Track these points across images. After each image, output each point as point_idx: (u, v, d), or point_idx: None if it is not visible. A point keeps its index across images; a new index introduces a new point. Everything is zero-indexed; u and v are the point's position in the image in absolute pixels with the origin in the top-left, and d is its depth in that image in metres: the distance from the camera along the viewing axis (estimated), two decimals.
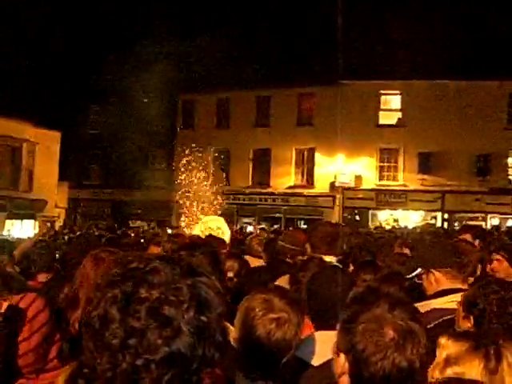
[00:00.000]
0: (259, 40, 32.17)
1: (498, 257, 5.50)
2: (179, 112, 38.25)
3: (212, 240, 6.70)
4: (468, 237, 7.03)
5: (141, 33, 33.83)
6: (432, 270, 3.91)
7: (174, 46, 33.10)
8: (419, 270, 4.01)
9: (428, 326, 3.47)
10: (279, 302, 2.62)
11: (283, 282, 4.28)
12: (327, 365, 2.86)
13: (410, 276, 4.15)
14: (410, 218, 31.44)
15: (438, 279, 3.88)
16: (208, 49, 32.54)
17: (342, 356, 2.09)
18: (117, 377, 1.35)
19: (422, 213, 32.06)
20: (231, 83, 33.06)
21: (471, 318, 3.17)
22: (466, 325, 3.17)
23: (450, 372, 2.25)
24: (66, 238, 18.02)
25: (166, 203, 37.47)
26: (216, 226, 9.88)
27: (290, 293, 2.85)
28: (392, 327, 2.02)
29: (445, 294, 3.72)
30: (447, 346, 2.33)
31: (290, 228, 18.94)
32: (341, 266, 4.65)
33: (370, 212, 32.79)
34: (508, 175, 31.54)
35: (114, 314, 1.37)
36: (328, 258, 4.74)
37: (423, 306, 3.86)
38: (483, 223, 27.17)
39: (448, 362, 2.29)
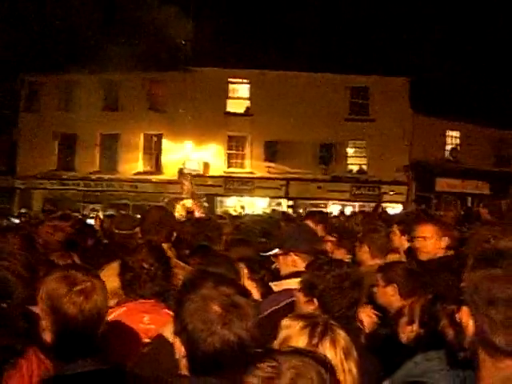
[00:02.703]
0: (111, 24, 31.38)
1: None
2: (23, 94, 36.40)
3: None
4: (310, 223, 7.31)
5: None
6: (291, 253, 4.04)
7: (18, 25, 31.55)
8: (277, 250, 4.14)
9: (278, 306, 3.60)
10: (78, 274, 2.54)
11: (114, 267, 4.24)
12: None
13: (267, 254, 4.26)
14: (257, 205, 32.17)
15: (295, 262, 4.01)
16: (57, 28, 31.30)
17: (177, 340, 2.13)
18: None
19: (267, 199, 32.89)
20: (79, 65, 31.95)
21: (314, 300, 3.30)
22: (310, 308, 3.28)
23: None
24: None
25: (8, 190, 35.75)
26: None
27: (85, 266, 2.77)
28: (217, 303, 2.06)
29: (298, 275, 3.80)
30: (285, 327, 2.44)
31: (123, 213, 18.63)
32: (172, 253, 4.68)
33: (219, 199, 33.10)
34: (347, 164, 33.17)
35: None
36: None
37: (277, 286, 4.00)
38: (324, 209, 28.27)
39: (282, 343, 2.38)
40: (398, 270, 4.50)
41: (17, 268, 1.48)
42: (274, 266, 4.98)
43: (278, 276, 4.30)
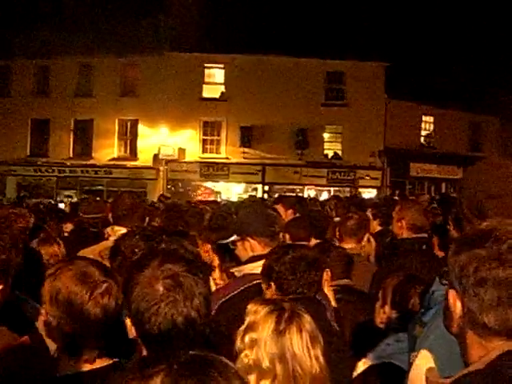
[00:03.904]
0: (82, 7, 31.03)
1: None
2: None
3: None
4: (280, 207, 7.32)
5: None
6: (248, 238, 4.00)
7: None
8: (234, 236, 4.12)
9: (237, 291, 3.60)
10: (95, 271, 2.38)
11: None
12: None
13: (225, 242, 4.25)
14: (232, 190, 32.16)
15: (252, 246, 3.97)
16: (27, 12, 30.86)
17: (128, 321, 2.10)
18: None
19: (243, 185, 32.88)
20: (51, 49, 31.59)
21: (272, 284, 3.27)
22: (269, 293, 3.27)
23: (247, 339, 2.34)
24: None
25: None
26: None
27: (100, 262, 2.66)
28: (161, 282, 2.02)
29: (257, 259, 3.78)
30: (251, 313, 2.42)
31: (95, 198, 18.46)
32: None
33: (194, 184, 33.06)
34: (324, 149, 33.27)
35: None
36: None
37: (238, 271, 3.99)
38: (300, 195, 28.35)
39: (247, 328, 2.38)
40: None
41: None
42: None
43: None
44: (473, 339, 1.65)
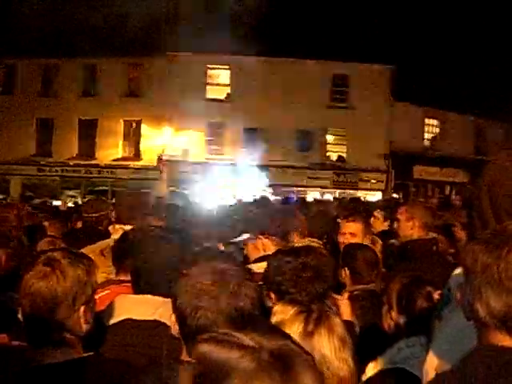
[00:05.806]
0: (88, 8, 31.03)
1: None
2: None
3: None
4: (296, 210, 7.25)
5: None
6: (261, 237, 4.01)
7: None
8: (248, 235, 4.09)
9: None
10: (52, 257, 2.31)
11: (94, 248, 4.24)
12: (117, 325, 2.87)
13: (237, 240, 4.21)
14: None
15: (265, 245, 3.97)
16: (35, 12, 30.85)
17: (173, 316, 2.07)
18: None
19: None
20: (58, 49, 31.62)
21: (271, 293, 3.14)
22: (271, 302, 3.10)
23: None
24: None
25: None
26: None
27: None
28: (207, 276, 2.01)
29: (266, 258, 3.69)
30: (278, 313, 2.36)
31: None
32: None
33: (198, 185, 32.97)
34: (327, 151, 33.22)
35: None
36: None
37: None
38: (304, 197, 28.29)
39: None
40: (356, 255, 4.47)
41: None
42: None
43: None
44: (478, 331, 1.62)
